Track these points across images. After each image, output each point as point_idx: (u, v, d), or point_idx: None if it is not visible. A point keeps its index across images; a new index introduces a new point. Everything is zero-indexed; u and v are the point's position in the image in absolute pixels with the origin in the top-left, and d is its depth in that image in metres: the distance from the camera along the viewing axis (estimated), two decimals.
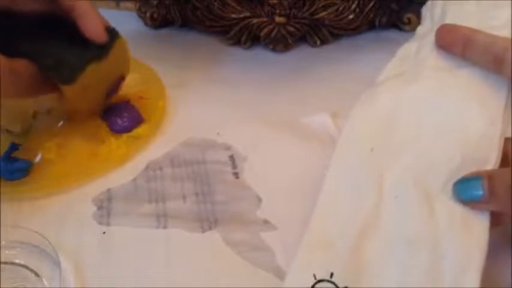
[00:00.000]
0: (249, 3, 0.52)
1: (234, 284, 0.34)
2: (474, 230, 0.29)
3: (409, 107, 0.34)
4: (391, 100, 0.35)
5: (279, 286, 0.34)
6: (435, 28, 0.36)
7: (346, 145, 0.35)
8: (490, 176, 0.30)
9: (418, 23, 0.57)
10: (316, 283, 0.30)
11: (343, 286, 0.30)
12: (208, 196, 0.40)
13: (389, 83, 0.36)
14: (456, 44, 0.34)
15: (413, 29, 0.56)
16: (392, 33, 0.56)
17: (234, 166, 0.42)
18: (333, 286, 0.30)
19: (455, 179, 0.30)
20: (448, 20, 0.36)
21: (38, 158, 0.42)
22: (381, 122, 0.34)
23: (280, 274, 0.35)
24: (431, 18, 0.39)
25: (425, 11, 0.40)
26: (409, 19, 0.56)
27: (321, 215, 0.33)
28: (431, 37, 0.36)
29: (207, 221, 0.38)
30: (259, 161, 0.43)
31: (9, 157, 0.41)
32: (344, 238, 0.31)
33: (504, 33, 0.33)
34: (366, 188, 0.32)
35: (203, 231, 0.38)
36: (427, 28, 0.38)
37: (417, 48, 0.37)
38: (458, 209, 0.30)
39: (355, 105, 0.37)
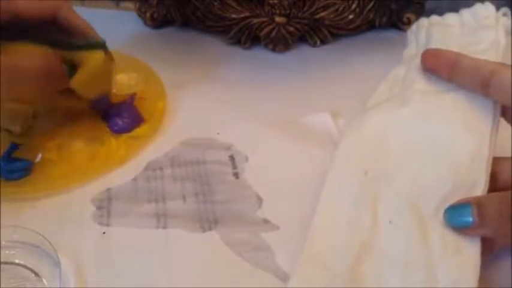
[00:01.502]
0: (249, 3, 0.52)
1: (234, 284, 0.34)
2: (466, 253, 0.30)
3: (399, 130, 0.35)
4: (381, 124, 0.35)
5: (279, 286, 0.34)
6: (421, 52, 0.36)
7: (340, 169, 0.36)
8: (479, 203, 0.30)
9: None
10: None
11: None
12: (208, 196, 0.40)
13: (380, 107, 0.36)
14: (442, 68, 0.35)
15: None
16: (392, 33, 0.56)
17: (234, 166, 0.42)
18: None
19: (446, 204, 0.31)
20: (433, 44, 0.37)
21: (38, 158, 0.42)
22: (373, 145, 0.35)
23: (280, 274, 0.35)
24: (416, 41, 0.39)
25: (410, 34, 0.40)
26: (409, 19, 0.56)
27: (318, 238, 0.33)
28: (418, 61, 0.36)
29: (207, 221, 0.38)
30: (260, 160, 0.43)
31: (9, 157, 0.41)
32: (341, 261, 0.32)
33: (489, 55, 0.34)
34: (361, 211, 0.33)
35: (203, 231, 0.38)
36: (413, 51, 0.39)
37: (405, 72, 0.37)
38: (450, 234, 0.30)
39: (347, 129, 0.37)
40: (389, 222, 0.32)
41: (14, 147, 0.41)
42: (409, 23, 0.56)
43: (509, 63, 0.33)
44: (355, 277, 0.31)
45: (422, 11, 0.56)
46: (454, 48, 0.35)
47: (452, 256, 0.30)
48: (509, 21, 0.37)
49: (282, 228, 0.38)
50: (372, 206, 0.33)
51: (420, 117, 0.34)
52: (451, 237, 0.30)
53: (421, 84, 0.36)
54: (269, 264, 0.35)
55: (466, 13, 0.38)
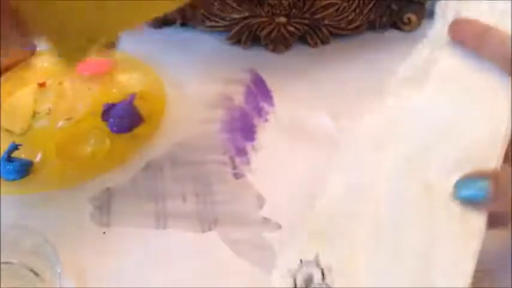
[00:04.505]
0: (249, 3, 0.52)
1: (234, 284, 0.34)
2: (472, 222, 0.30)
3: (415, 109, 0.35)
4: (398, 103, 0.35)
5: (279, 286, 0.34)
6: (446, 28, 0.36)
7: (350, 146, 0.35)
8: (495, 176, 0.30)
9: (418, 23, 0.57)
10: (301, 266, 0.31)
11: (326, 265, 0.31)
12: (208, 196, 0.40)
13: (398, 87, 0.36)
14: (469, 38, 0.34)
15: (413, 29, 0.56)
16: (392, 33, 0.56)
17: (234, 166, 0.42)
18: (317, 268, 0.31)
19: (456, 176, 0.31)
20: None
21: (38, 158, 0.42)
22: (387, 124, 0.35)
23: (281, 274, 0.35)
24: (443, 18, 0.39)
25: (437, 8, 0.40)
26: (409, 19, 0.56)
27: (317, 210, 0.33)
28: (442, 41, 0.36)
29: (207, 221, 0.38)
30: (260, 160, 0.43)
31: (9, 157, 0.41)
32: (335, 225, 0.32)
33: None
34: (364, 181, 0.33)
35: (203, 231, 0.38)
36: (438, 28, 0.39)
37: (429, 52, 0.37)
38: (457, 203, 0.30)
39: (362, 108, 0.37)
40: (392, 187, 0.32)
41: (14, 147, 0.41)
42: (409, 23, 0.56)
43: None
44: (345, 238, 0.31)
45: (423, 11, 0.56)
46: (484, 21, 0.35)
47: (457, 223, 0.30)
48: None
49: (282, 228, 0.38)
50: (377, 175, 0.33)
51: (438, 95, 0.34)
52: (458, 206, 0.30)
53: (444, 63, 0.36)
54: (269, 264, 0.35)
55: None
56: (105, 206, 0.39)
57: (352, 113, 0.45)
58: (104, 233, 0.38)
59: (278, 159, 0.43)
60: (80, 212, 0.39)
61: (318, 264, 0.31)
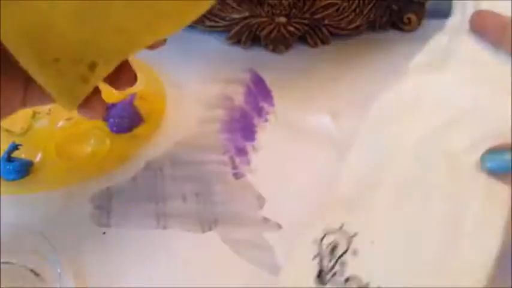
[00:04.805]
0: (249, 3, 0.52)
1: (234, 284, 0.34)
2: (497, 196, 0.30)
3: (435, 91, 0.35)
4: (418, 84, 0.35)
5: (279, 286, 0.34)
6: (466, 20, 0.36)
7: (372, 124, 0.36)
8: None
9: (418, 23, 0.57)
10: (324, 236, 0.31)
11: (352, 233, 0.30)
12: (208, 196, 0.40)
13: (418, 70, 0.36)
14: (490, 30, 0.34)
15: (413, 29, 0.56)
16: (392, 34, 0.56)
17: (234, 166, 0.42)
18: (342, 236, 0.31)
19: (482, 149, 0.31)
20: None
21: (38, 158, 0.42)
22: (409, 100, 0.35)
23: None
24: (462, 9, 0.39)
25: (456, 1, 0.40)
26: (409, 19, 0.56)
27: (339, 182, 0.33)
28: (463, 29, 0.36)
29: (207, 221, 0.38)
30: (260, 160, 0.43)
31: (9, 157, 0.41)
32: (360, 195, 0.32)
33: None
34: (387, 152, 0.33)
35: (203, 231, 0.38)
36: (457, 19, 0.39)
37: (448, 41, 0.38)
38: (483, 174, 0.31)
39: (383, 89, 0.37)
40: (417, 156, 0.32)
41: (14, 147, 0.41)
42: (410, 23, 0.56)
43: None
44: (368, 205, 0.31)
45: (423, 11, 0.56)
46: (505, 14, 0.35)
47: (482, 195, 0.30)
48: None
49: (282, 228, 0.38)
50: (400, 145, 0.33)
51: (459, 80, 0.34)
52: (483, 178, 0.30)
53: (464, 53, 0.36)
54: (269, 264, 0.36)
55: None
56: (105, 206, 0.39)
57: (352, 113, 0.46)
58: (104, 233, 0.38)
59: (278, 159, 0.43)
60: (80, 212, 0.39)
61: (342, 233, 0.31)
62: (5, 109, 0.32)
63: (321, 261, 0.30)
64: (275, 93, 0.49)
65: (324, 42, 0.55)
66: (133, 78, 0.35)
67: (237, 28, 0.54)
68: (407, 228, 0.30)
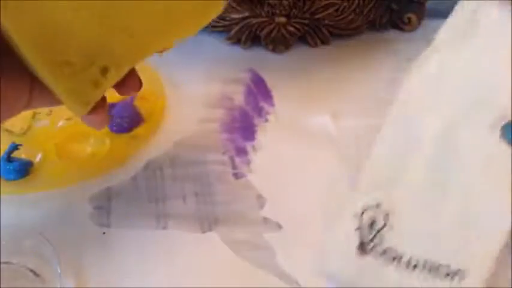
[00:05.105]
0: (249, 3, 0.52)
1: (234, 284, 0.34)
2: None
3: (458, 67, 0.37)
4: (441, 63, 0.38)
5: (279, 286, 0.34)
6: None
7: (400, 107, 0.38)
8: None
9: (418, 23, 0.57)
10: (364, 212, 0.35)
11: (388, 211, 0.34)
12: (208, 196, 0.40)
13: (443, 45, 0.38)
14: None
15: (413, 29, 0.56)
16: (392, 33, 0.56)
17: (234, 166, 0.42)
18: (379, 212, 0.34)
19: (502, 121, 0.34)
20: None
21: (38, 158, 0.42)
22: (432, 83, 0.37)
23: (280, 274, 0.35)
24: None
25: None
26: (409, 19, 0.56)
27: (371, 166, 0.37)
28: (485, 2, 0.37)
29: (207, 221, 0.38)
30: (260, 160, 0.43)
31: (9, 157, 0.41)
32: (394, 174, 0.35)
33: None
34: (415, 133, 0.36)
35: (203, 232, 0.38)
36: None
37: (475, 6, 0.38)
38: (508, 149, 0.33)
39: (412, 69, 0.39)
40: (436, 144, 0.35)
41: (14, 147, 0.41)
42: (410, 23, 0.56)
43: None
44: (394, 195, 0.35)
45: (423, 11, 0.56)
46: None
47: (506, 164, 0.33)
48: None
49: (282, 228, 0.38)
50: (425, 130, 0.36)
51: (484, 50, 0.37)
52: (506, 150, 0.33)
53: (489, 17, 0.37)
54: (269, 264, 0.36)
55: None
56: (105, 206, 0.39)
57: (352, 113, 0.46)
58: (104, 233, 0.38)
59: (278, 159, 0.43)
60: (80, 212, 0.39)
61: (380, 210, 0.35)
62: (9, 111, 0.32)
63: (361, 234, 0.34)
64: (275, 93, 0.49)
65: (324, 42, 0.55)
66: (139, 84, 0.34)
67: (237, 28, 0.54)
68: (435, 202, 0.34)
